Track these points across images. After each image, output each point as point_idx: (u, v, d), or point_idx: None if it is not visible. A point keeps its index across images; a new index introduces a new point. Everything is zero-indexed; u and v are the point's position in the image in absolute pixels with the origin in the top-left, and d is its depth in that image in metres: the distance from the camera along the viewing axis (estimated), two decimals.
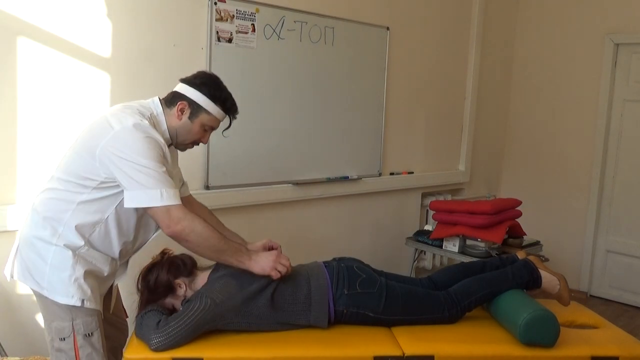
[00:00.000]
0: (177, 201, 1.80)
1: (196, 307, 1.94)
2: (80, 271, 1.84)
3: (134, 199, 1.78)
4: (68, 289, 1.82)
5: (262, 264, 1.98)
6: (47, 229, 1.85)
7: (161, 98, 2.01)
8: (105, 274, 1.94)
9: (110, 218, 1.88)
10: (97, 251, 1.89)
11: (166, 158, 1.86)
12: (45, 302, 1.88)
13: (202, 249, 1.88)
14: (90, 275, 1.88)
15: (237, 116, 2.08)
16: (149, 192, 1.76)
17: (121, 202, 1.84)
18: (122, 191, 1.80)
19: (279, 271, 2.00)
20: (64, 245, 1.83)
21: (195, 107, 1.96)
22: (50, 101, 2.40)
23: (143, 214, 1.93)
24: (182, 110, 1.95)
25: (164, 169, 1.81)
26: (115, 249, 1.93)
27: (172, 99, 1.98)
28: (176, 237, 1.84)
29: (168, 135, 1.98)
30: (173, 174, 1.95)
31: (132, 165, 1.76)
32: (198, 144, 2.07)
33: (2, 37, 2.25)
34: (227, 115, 2.03)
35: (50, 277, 1.84)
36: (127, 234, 1.94)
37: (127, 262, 2.07)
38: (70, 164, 1.86)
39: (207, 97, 1.96)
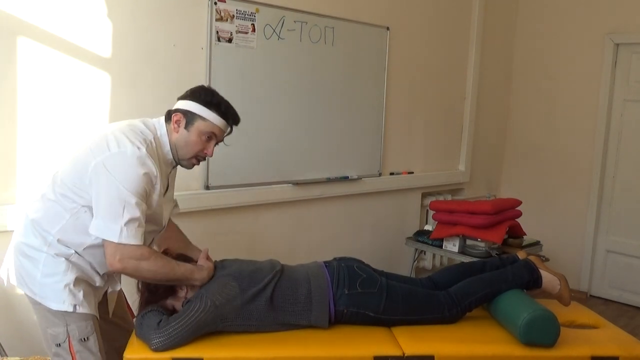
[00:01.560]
0: (135, 241, 1.77)
1: (197, 308, 1.94)
2: (71, 277, 1.84)
3: (96, 227, 1.77)
4: (60, 295, 1.82)
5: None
6: (37, 238, 1.85)
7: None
8: (97, 284, 1.94)
9: (95, 246, 1.85)
10: (86, 261, 1.89)
11: (154, 187, 1.85)
12: (39, 309, 1.88)
13: (152, 282, 1.97)
14: (83, 281, 1.88)
15: (239, 122, 2.04)
16: (110, 225, 1.75)
17: None
18: None
19: None
20: (55, 254, 1.84)
21: (189, 116, 1.92)
22: (50, 101, 2.40)
23: None
24: (177, 122, 1.93)
25: (141, 206, 1.79)
26: (101, 270, 1.92)
27: (168, 116, 1.97)
28: (118, 272, 1.87)
29: (171, 156, 1.97)
30: (161, 201, 1.93)
31: (111, 193, 1.75)
32: (204, 158, 2.02)
33: (2, 37, 2.25)
34: (225, 122, 1.98)
35: (42, 284, 1.83)
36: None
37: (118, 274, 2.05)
38: (66, 176, 1.85)
39: (199, 103, 1.92)
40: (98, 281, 1.94)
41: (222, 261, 2.23)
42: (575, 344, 2.12)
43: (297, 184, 3.33)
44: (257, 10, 3.00)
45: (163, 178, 1.94)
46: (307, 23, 3.24)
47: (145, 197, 1.83)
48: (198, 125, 1.93)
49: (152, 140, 1.89)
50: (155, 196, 1.88)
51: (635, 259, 4.24)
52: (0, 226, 2.30)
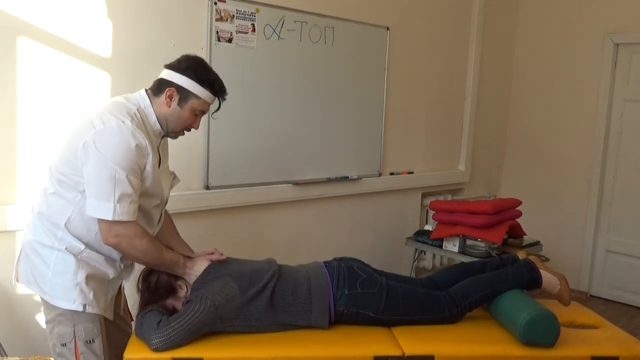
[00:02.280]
0: (128, 218, 1.78)
1: (197, 309, 1.94)
2: (82, 276, 1.83)
3: (90, 207, 1.77)
4: (70, 294, 1.82)
5: (197, 275, 2.05)
6: (47, 234, 1.84)
7: (147, 89, 1.96)
8: (111, 277, 1.93)
9: None
10: (98, 254, 1.88)
11: (147, 159, 1.83)
12: (48, 307, 1.88)
13: (139, 262, 1.97)
14: (94, 279, 1.87)
15: (227, 98, 2.03)
16: (103, 204, 1.75)
17: None
18: None
19: None
20: (66, 249, 1.83)
21: (184, 93, 1.90)
22: (50, 101, 2.40)
23: (144, 212, 1.92)
24: (170, 97, 1.90)
25: (133, 182, 1.78)
26: (115, 253, 1.91)
27: (158, 87, 1.93)
28: (112, 247, 1.85)
29: (159, 126, 1.94)
30: (158, 173, 1.92)
31: (100, 170, 1.74)
32: (189, 130, 2.02)
33: (2, 37, 2.25)
34: (216, 98, 1.98)
35: (52, 282, 1.83)
36: None
37: (132, 263, 2.04)
38: (60, 165, 1.84)
39: (195, 81, 1.89)
40: (112, 273, 1.92)
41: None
42: (575, 344, 2.12)
43: (297, 184, 3.33)
44: (257, 10, 3.00)
45: (154, 150, 1.90)
46: (307, 23, 3.24)
47: (137, 172, 1.81)
48: (192, 103, 1.91)
49: (137, 112, 1.87)
50: (149, 168, 1.85)
51: (635, 259, 4.24)
52: (0, 226, 2.30)
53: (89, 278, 1.85)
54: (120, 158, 1.75)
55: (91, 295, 1.84)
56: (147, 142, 1.82)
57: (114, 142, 1.76)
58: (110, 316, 1.96)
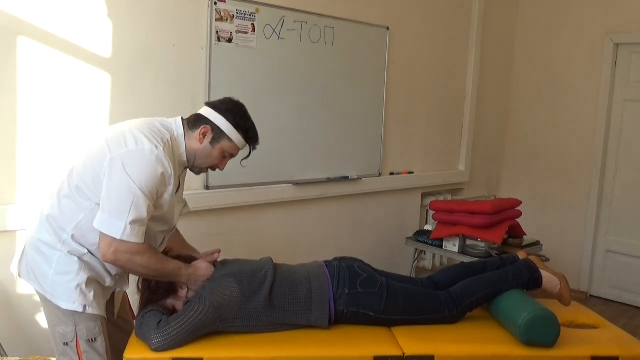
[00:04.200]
0: (134, 239, 1.77)
1: (196, 309, 1.94)
2: (83, 277, 1.84)
3: (100, 221, 1.77)
4: (70, 294, 1.82)
5: (200, 283, 2.04)
6: (51, 235, 1.85)
7: (184, 118, 1.99)
8: (107, 284, 1.94)
9: None
10: (98, 260, 1.88)
11: (167, 187, 1.85)
12: (49, 306, 1.88)
13: (139, 275, 2.01)
14: (94, 281, 1.88)
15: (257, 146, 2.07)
16: (115, 222, 1.74)
17: None
18: None
19: None
20: (68, 252, 1.84)
21: (217, 133, 1.94)
22: (50, 101, 2.40)
23: (148, 234, 1.91)
24: (204, 135, 1.94)
25: (149, 207, 1.79)
26: (113, 271, 1.93)
27: (195, 122, 1.97)
28: (110, 264, 1.85)
29: (185, 158, 1.96)
30: (174, 201, 1.94)
31: (122, 189, 1.74)
32: (214, 170, 2.06)
33: (2, 37, 2.25)
34: (248, 146, 2.02)
35: (53, 282, 1.83)
36: None
37: (127, 275, 2.05)
38: (82, 172, 1.84)
39: (232, 124, 1.94)
40: (108, 281, 1.94)
41: (223, 261, 2.23)
42: (575, 344, 2.12)
43: (297, 184, 3.33)
44: (257, 10, 3.00)
45: (175, 178, 1.92)
46: (307, 23, 3.24)
47: (155, 197, 1.82)
48: (223, 144, 1.96)
49: (169, 139, 1.89)
50: (167, 196, 1.87)
51: (635, 259, 4.24)
52: (0, 226, 2.30)
53: (89, 280, 1.86)
54: (145, 182, 1.76)
55: (91, 296, 1.85)
56: (172, 171, 1.84)
57: (142, 166, 1.77)
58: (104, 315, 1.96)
